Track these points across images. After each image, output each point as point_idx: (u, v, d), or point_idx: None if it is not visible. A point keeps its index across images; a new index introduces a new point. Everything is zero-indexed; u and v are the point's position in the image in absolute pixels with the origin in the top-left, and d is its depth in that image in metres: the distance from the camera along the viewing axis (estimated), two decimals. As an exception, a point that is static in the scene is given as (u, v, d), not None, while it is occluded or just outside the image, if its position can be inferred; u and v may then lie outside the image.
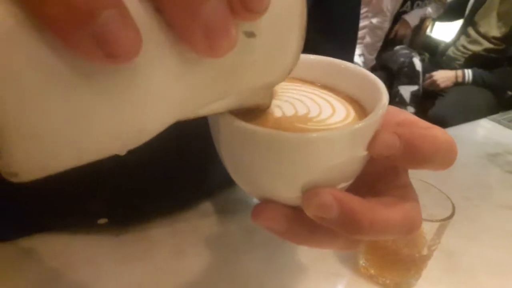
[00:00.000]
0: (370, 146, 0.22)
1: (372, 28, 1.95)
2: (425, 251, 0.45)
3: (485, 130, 0.99)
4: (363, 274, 0.48)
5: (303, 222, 0.23)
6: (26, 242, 0.46)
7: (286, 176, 0.22)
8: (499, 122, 1.01)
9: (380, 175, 0.26)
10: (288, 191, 0.23)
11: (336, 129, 0.23)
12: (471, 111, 1.72)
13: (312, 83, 0.28)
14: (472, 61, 2.04)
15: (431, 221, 0.43)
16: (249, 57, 0.18)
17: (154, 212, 0.51)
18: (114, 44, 0.12)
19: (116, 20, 0.12)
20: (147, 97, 0.16)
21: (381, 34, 2.00)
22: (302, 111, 0.24)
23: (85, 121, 0.14)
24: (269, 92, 0.23)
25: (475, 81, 1.93)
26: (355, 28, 0.56)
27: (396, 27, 2.11)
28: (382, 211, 0.22)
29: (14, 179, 0.15)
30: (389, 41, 2.09)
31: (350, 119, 0.24)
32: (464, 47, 2.10)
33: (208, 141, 0.26)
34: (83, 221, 0.47)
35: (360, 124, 0.21)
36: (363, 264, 0.48)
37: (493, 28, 2.01)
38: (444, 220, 0.43)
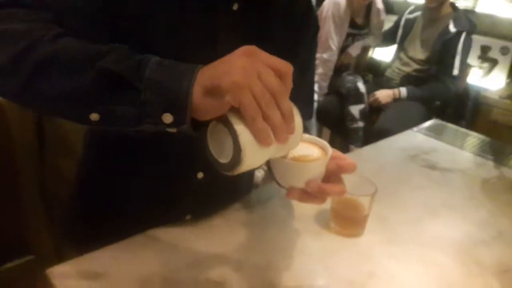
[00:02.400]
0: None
1: (324, 61, 2.37)
2: (364, 213, 0.83)
3: (408, 138, 1.39)
4: (332, 231, 0.85)
5: (305, 194, 0.60)
6: (152, 232, 0.80)
7: (300, 179, 0.59)
8: (418, 131, 1.43)
9: (330, 175, 0.63)
10: (300, 184, 0.60)
11: (316, 161, 0.60)
12: (408, 121, 2.13)
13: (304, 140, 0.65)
14: (405, 80, 2.50)
15: (366, 195, 0.81)
16: (293, 139, 0.55)
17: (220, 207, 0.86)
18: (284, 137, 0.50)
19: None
20: (269, 155, 0.53)
21: (331, 65, 2.44)
22: (302, 153, 0.61)
23: (264, 158, 0.52)
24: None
25: (409, 97, 2.39)
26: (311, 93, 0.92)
27: (342, 58, 2.56)
28: (332, 188, 0.60)
29: (231, 174, 0.51)
30: (337, 69, 2.53)
31: (320, 155, 0.61)
32: (398, 68, 2.57)
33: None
34: (174, 217, 0.81)
35: (325, 159, 0.59)
36: (333, 225, 0.85)
37: (418, 52, 2.48)
38: (372, 194, 0.81)
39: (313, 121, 2.32)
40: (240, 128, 0.49)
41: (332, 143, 2.39)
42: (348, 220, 0.84)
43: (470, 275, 0.77)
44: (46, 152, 1.15)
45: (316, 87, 2.40)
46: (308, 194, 0.60)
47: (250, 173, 0.69)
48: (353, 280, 0.73)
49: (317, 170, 0.60)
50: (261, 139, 0.49)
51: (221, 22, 0.68)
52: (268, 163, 0.64)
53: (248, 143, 0.49)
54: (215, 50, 0.63)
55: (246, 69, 0.48)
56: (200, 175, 0.78)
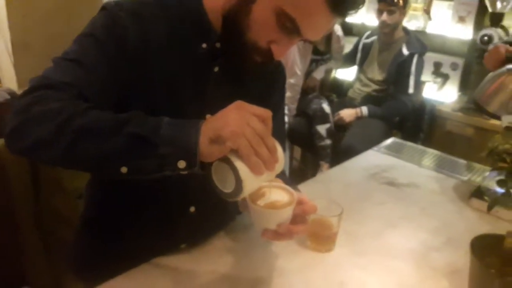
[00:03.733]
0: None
1: (291, 85, 2.55)
2: (334, 231, 0.97)
3: (370, 157, 1.55)
4: (309, 248, 0.98)
5: (277, 234, 0.74)
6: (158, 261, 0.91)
7: (272, 223, 0.73)
8: (376, 151, 1.59)
9: (296, 217, 0.77)
10: (272, 227, 0.74)
11: (285, 208, 0.74)
12: (371, 137, 2.31)
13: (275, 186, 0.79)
14: (366, 99, 2.70)
15: (334, 216, 0.95)
16: (278, 166, 0.70)
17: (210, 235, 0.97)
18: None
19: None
20: (263, 180, 0.68)
21: (298, 88, 2.61)
22: (274, 199, 0.75)
23: (259, 184, 0.69)
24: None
25: (370, 115, 2.58)
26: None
27: (308, 81, 2.75)
28: (298, 228, 0.75)
29: (235, 199, 0.67)
30: (304, 92, 2.71)
31: (288, 200, 0.75)
32: (359, 89, 2.77)
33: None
34: (172, 246, 0.93)
35: (292, 205, 0.74)
36: (309, 243, 0.99)
37: (376, 74, 2.69)
38: (339, 215, 0.95)
39: (286, 143, 2.47)
40: (239, 164, 0.65)
41: (304, 161, 2.57)
42: (321, 238, 0.98)
43: (425, 278, 0.92)
44: (42, 192, 1.24)
45: (286, 110, 2.57)
46: (279, 234, 0.75)
47: (235, 203, 0.82)
48: (328, 289, 0.86)
49: (286, 215, 0.74)
50: (255, 171, 0.65)
51: (206, 81, 0.83)
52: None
53: (247, 175, 0.65)
54: (203, 102, 0.83)
55: (239, 120, 0.65)
56: (192, 209, 0.90)
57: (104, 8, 0.78)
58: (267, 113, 0.68)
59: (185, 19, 0.82)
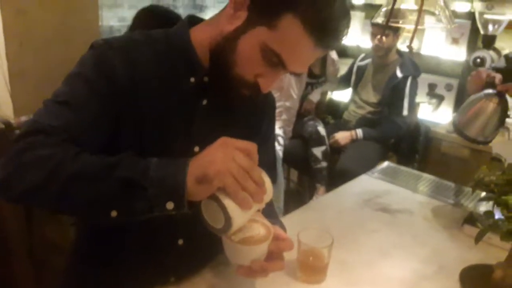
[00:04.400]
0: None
1: (287, 108, 2.57)
2: (325, 261, 0.97)
3: (364, 182, 1.56)
4: (299, 280, 0.98)
5: (251, 271, 0.75)
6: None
7: (246, 259, 0.74)
8: (370, 176, 1.60)
9: (272, 253, 0.78)
10: (247, 263, 0.74)
11: (259, 244, 0.74)
12: (366, 159, 2.33)
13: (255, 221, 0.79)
14: (361, 121, 2.72)
15: (324, 247, 0.95)
16: (266, 197, 0.71)
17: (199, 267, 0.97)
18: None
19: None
20: (251, 213, 0.71)
21: (294, 112, 2.64)
22: (249, 234, 0.75)
23: (248, 217, 0.73)
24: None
25: (365, 137, 2.60)
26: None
27: (304, 104, 2.78)
28: (272, 266, 0.76)
29: (223, 235, 0.69)
30: (300, 115, 2.74)
31: (264, 234, 0.76)
32: (354, 111, 2.80)
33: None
34: (161, 280, 0.93)
35: (267, 241, 0.74)
36: (299, 274, 0.98)
37: (371, 96, 2.72)
38: (329, 246, 0.96)
39: (279, 168, 2.48)
40: (227, 202, 0.66)
41: (301, 183, 2.58)
42: (312, 269, 0.98)
43: (416, 308, 0.92)
44: (35, 221, 1.25)
45: (281, 132, 2.58)
46: (253, 271, 0.75)
47: None
48: (318, 323, 0.86)
49: (260, 251, 0.75)
50: (243, 206, 0.67)
51: (195, 114, 0.84)
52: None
53: (235, 211, 0.67)
54: (192, 135, 0.85)
55: (223, 157, 0.66)
56: (180, 241, 0.90)
57: (92, 46, 0.79)
58: (252, 146, 0.69)
59: (173, 54, 0.83)
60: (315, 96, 2.84)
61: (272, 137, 1.11)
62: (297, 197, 3.04)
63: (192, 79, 0.84)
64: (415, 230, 1.23)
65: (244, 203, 0.66)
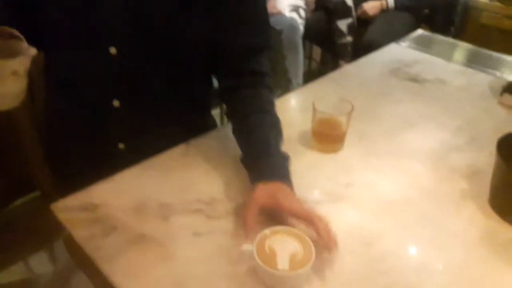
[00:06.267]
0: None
1: (308, -25, 2.30)
2: (343, 130, 0.88)
3: (392, 51, 1.40)
4: (315, 149, 0.90)
5: None
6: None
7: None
8: (401, 45, 1.43)
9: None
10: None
11: (292, 271, 0.57)
12: (396, 32, 2.09)
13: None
14: (392, -11, 2.43)
15: (343, 114, 0.85)
16: None
17: (166, 139, 0.87)
18: None
19: None
20: None
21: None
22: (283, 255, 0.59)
23: None
24: None
25: (397, 6, 2.32)
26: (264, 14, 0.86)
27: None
28: None
29: None
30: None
31: (302, 256, 0.59)
32: (385, -23, 2.48)
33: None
34: (105, 145, 0.87)
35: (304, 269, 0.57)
36: (315, 143, 0.90)
37: (405, -42, 2.38)
38: (348, 113, 0.85)
39: (299, 44, 2.29)
40: None
41: (324, 61, 2.39)
42: (328, 138, 0.89)
43: (442, 179, 0.84)
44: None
45: (302, 3, 2.34)
46: None
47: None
48: (331, 191, 0.79)
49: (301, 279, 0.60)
50: None
51: None
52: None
53: None
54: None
55: None
56: (116, 103, 0.83)
57: None
58: None
59: None
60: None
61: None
62: (318, 77, 2.88)
63: None
64: (446, 100, 1.11)
65: None
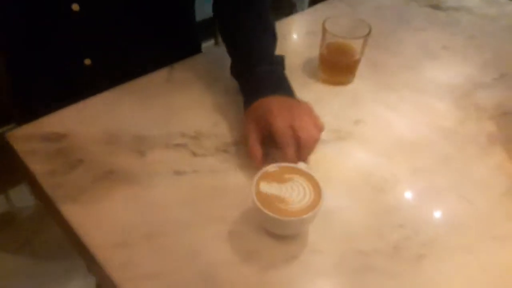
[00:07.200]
0: None
1: None
2: (356, 58, 0.74)
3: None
4: (322, 80, 0.77)
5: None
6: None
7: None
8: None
9: None
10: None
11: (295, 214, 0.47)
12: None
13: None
14: None
15: (357, 38, 0.72)
16: None
17: (141, 58, 0.75)
18: None
19: None
20: None
21: None
22: (287, 196, 0.49)
23: None
24: None
25: None
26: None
27: None
28: None
29: None
30: None
31: (310, 199, 0.49)
32: None
33: None
34: (70, 61, 0.73)
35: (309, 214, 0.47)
36: (322, 74, 0.77)
37: None
38: (364, 36, 0.72)
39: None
40: None
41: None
42: (337, 67, 0.76)
43: (466, 119, 0.72)
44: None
45: None
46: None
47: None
48: (339, 128, 0.68)
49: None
50: None
51: None
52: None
53: None
54: None
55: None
56: (75, 6, 0.68)
57: None
58: None
59: None
60: None
61: None
62: None
63: None
64: (472, 30, 0.96)
65: None
